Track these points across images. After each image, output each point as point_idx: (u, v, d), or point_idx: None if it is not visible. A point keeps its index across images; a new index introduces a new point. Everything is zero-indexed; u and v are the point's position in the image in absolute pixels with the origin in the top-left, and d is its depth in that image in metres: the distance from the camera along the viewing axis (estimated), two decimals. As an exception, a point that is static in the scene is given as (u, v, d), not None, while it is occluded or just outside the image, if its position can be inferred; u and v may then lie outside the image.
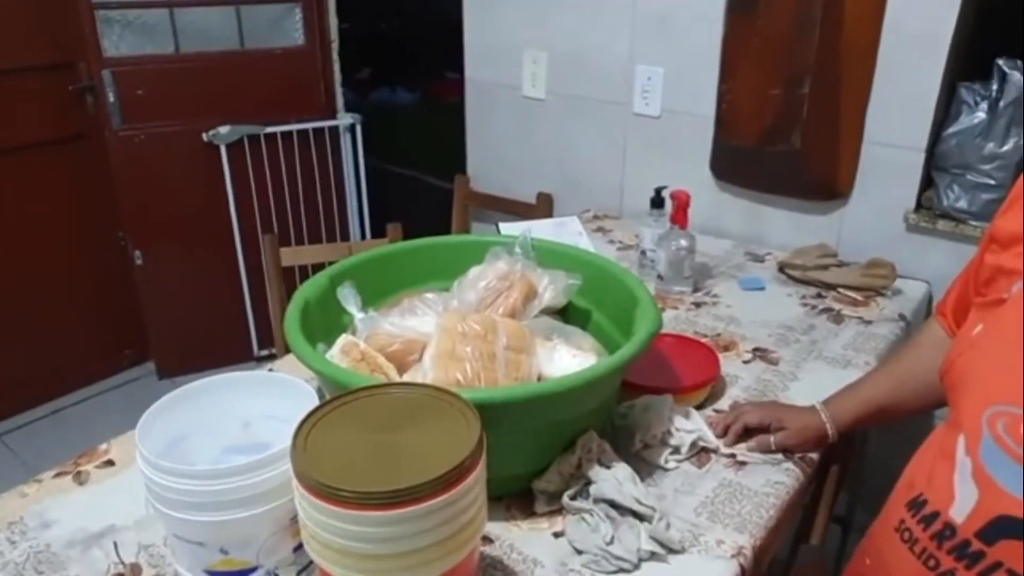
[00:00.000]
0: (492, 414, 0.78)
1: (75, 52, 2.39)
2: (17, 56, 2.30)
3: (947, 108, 1.59)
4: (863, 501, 1.51)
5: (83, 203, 2.57)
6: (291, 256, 2.00)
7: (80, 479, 1.01)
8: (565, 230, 1.57)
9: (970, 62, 1.57)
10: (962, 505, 0.69)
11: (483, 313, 1.03)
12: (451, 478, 0.65)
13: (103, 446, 1.08)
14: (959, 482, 0.70)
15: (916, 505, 0.75)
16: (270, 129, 2.61)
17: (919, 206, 1.66)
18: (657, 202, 1.58)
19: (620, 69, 1.96)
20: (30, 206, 2.45)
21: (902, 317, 1.49)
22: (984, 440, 0.68)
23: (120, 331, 2.74)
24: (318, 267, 1.26)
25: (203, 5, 2.50)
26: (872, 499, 0.84)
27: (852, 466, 1.36)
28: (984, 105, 1.52)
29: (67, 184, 2.53)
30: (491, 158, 2.33)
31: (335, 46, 2.72)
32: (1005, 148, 1.51)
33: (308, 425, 0.71)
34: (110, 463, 1.05)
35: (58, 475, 1.02)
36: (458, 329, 0.95)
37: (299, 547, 0.75)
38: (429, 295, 1.09)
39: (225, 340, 2.75)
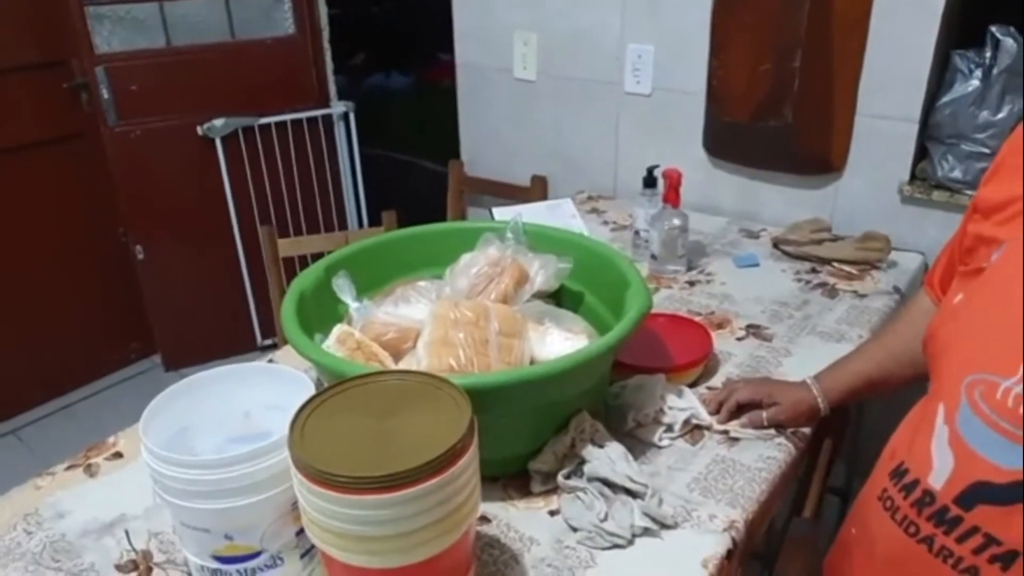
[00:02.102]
0: (486, 398, 0.80)
1: (67, 49, 2.39)
2: (10, 55, 2.31)
3: (940, 77, 1.58)
4: (860, 472, 1.53)
5: (83, 200, 2.59)
6: (289, 247, 2.01)
7: (91, 471, 1.04)
8: (558, 213, 1.58)
9: (963, 30, 1.57)
10: (940, 472, 0.71)
11: (475, 299, 1.04)
12: (443, 461, 0.67)
13: (111, 439, 1.10)
14: (936, 449, 0.72)
15: (898, 474, 0.77)
16: (264, 120, 2.61)
17: (913, 177, 1.66)
18: (649, 182, 1.59)
19: (611, 48, 1.96)
20: (30, 206, 2.47)
21: (896, 290, 1.50)
22: (961, 407, 0.70)
23: (125, 326, 2.78)
24: (316, 256, 1.28)
25: (193, -3, 2.50)
26: (869, 470, 0.86)
27: (848, 438, 1.38)
28: (978, 73, 1.52)
29: (66, 182, 2.54)
30: (485, 142, 2.33)
31: (326, 34, 2.72)
32: (999, 116, 1.51)
33: (305, 414, 0.73)
34: (118, 455, 1.07)
35: (70, 468, 1.05)
36: (450, 316, 0.97)
37: (301, 531, 0.77)
38: (422, 283, 1.11)
39: (228, 331, 2.78)
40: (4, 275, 2.45)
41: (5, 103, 2.33)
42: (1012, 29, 1.47)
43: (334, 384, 0.77)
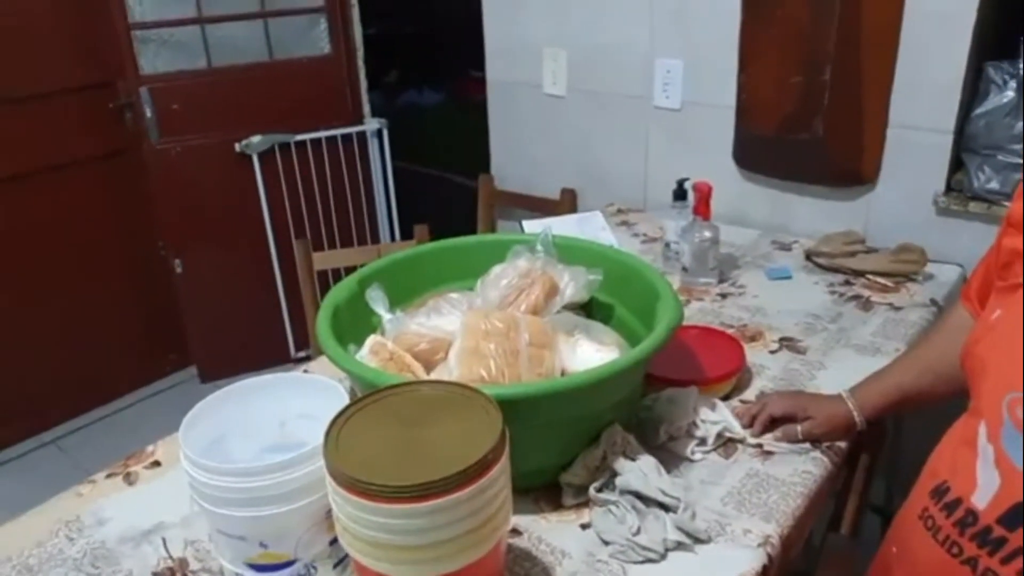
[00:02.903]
0: (516, 409, 0.80)
1: (114, 71, 2.48)
2: (60, 78, 2.40)
3: (974, 88, 1.56)
4: (901, 489, 1.50)
5: (124, 215, 2.67)
6: (323, 260, 2.05)
7: (130, 479, 1.07)
8: (589, 225, 1.59)
9: (996, 40, 1.55)
10: (984, 492, 0.70)
11: (506, 310, 1.05)
12: (475, 471, 0.68)
13: (150, 448, 1.13)
14: (981, 469, 0.70)
15: (939, 493, 0.75)
16: (300, 137, 2.67)
17: (949, 188, 1.63)
18: (679, 194, 1.59)
19: (639, 63, 1.97)
20: (74, 220, 2.55)
21: (934, 302, 1.47)
22: (1005, 426, 0.68)
23: (163, 337, 2.84)
24: (349, 269, 1.30)
25: (233, 20, 2.57)
26: (908, 487, 0.84)
27: (886, 454, 1.35)
28: (1012, 84, 1.50)
29: (109, 197, 2.63)
30: (515, 156, 2.35)
31: (360, 53, 2.77)
32: (1036, 127, 1.48)
33: (339, 423, 0.74)
34: (157, 464, 1.10)
35: (109, 476, 1.08)
36: (481, 327, 0.98)
37: (335, 541, 0.78)
38: (453, 295, 1.12)
39: (263, 343, 2.83)
40: (47, 285, 2.53)
41: (55, 122, 2.42)
42: (1048, 39, 1.45)
43: (368, 394, 0.78)
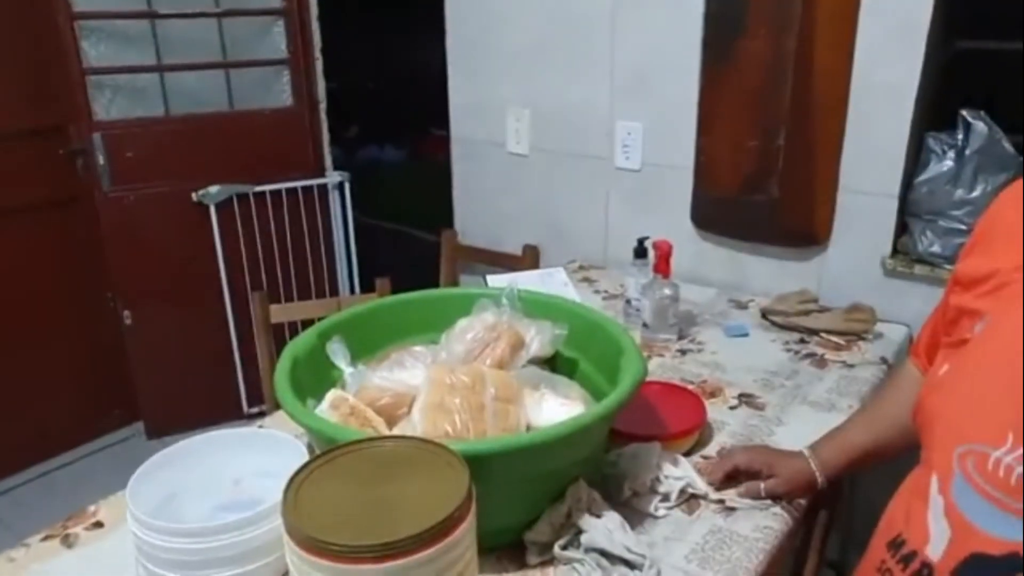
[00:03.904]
0: (481, 465, 0.79)
1: (66, 116, 2.44)
2: (8, 120, 2.35)
3: (917, 156, 1.65)
4: (855, 544, 1.51)
5: (73, 264, 2.59)
6: (281, 313, 2.01)
7: (68, 542, 1.00)
8: (551, 281, 1.60)
9: (936, 113, 1.64)
10: (937, 543, 0.71)
11: (471, 364, 1.04)
12: (441, 529, 0.66)
13: (92, 508, 1.07)
14: (932, 520, 0.72)
15: (895, 545, 0.76)
16: (259, 188, 2.65)
17: (895, 251, 1.70)
18: (640, 252, 1.62)
19: (601, 125, 2.03)
20: (20, 267, 2.47)
21: (884, 360, 1.51)
22: (955, 478, 0.70)
23: (109, 391, 2.73)
24: (307, 323, 1.28)
25: (193, 69, 2.57)
26: (863, 542, 0.85)
27: (841, 509, 1.36)
28: (951, 153, 1.58)
29: (57, 245, 2.55)
30: (478, 212, 2.38)
31: (323, 106, 2.79)
32: (974, 194, 1.57)
33: (298, 480, 0.72)
34: (99, 524, 1.04)
35: (46, 538, 1.01)
36: (446, 381, 0.97)
37: (290, 604, 0.75)
38: (417, 348, 1.11)
39: (215, 398, 2.74)
40: (-13, 337, 2.42)
41: (2, 166, 2.35)
42: (982, 113, 1.54)
43: (329, 450, 0.76)
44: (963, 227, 1.58)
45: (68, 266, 2.58)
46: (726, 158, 1.81)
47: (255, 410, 2.77)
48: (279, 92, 2.71)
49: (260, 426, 1.26)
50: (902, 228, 1.70)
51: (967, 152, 1.56)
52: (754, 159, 1.75)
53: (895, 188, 1.66)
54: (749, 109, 1.73)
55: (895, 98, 1.60)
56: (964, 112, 1.55)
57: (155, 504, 0.79)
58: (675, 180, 1.93)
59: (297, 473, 0.72)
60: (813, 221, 1.76)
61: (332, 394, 1.00)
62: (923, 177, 1.61)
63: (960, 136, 1.56)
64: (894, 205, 1.67)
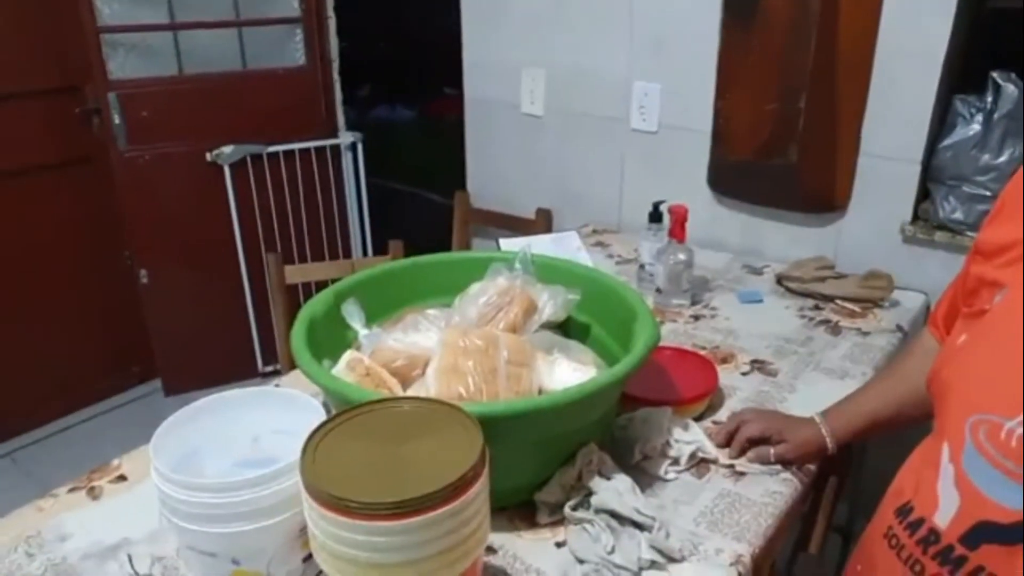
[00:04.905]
0: (494, 427, 0.80)
1: (81, 75, 2.43)
2: (24, 80, 2.35)
3: (942, 120, 1.61)
4: (862, 511, 1.52)
5: (89, 223, 2.61)
6: (295, 274, 2.02)
7: (94, 494, 1.04)
8: (564, 245, 1.60)
9: (965, 75, 1.60)
10: (945, 511, 0.71)
11: (484, 328, 1.05)
12: (455, 489, 0.67)
13: (115, 461, 1.10)
14: (942, 489, 0.72)
15: (903, 512, 0.77)
16: (273, 148, 2.65)
17: (916, 218, 1.68)
18: (655, 216, 1.61)
19: (617, 86, 2.00)
20: (37, 227, 2.49)
21: (899, 328, 1.51)
22: (966, 447, 0.70)
23: (127, 349, 2.77)
24: (321, 284, 1.29)
25: (206, 27, 2.54)
26: (871, 509, 0.86)
27: (851, 476, 1.37)
28: (979, 117, 1.55)
29: (73, 205, 2.57)
30: (491, 174, 2.36)
31: (335, 65, 2.77)
32: (1000, 160, 1.53)
33: (316, 439, 0.73)
34: (122, 478, 1.07)
35: (72, 490, 1.04)
36: (460, 344, 0.97)
37: (308, 557, 0.77)
38: (431, 311, 1.11)
39: (230, 357, 2.78)
40: (7, 294, 2.46)
41: (18, 126, 2.37)
42: (1013, 75, 1.50)
43: (346, 409, 0.77)
44: (987, 193, 1.55)
45: (85, 225, 2.60)
46: (745, 121, 1.78)
47: (269, 369, 2.81)
48: (292, 51, 2.69)
49: (277, 385, 1.28)
50: (923, 194, 1.68)
51: (995, 116, 1.52)
52: (773, 122, 1.72)
53: (918, 153, 1.63)
54: (770, 70, 1.70)
55: (923, 59, 1.56)
56: (994, 74, 1.51)
57: (177, 459, 0.80)
58: (692, 143, 1.90)
59: (315, 432, 0.74)
60: (832, 186, 1.73)
61: (348, 355, 1.01)
62: (948, 141, 1.58)
63: (989, 99, 1.53)
64: (916, 170, 1.64)
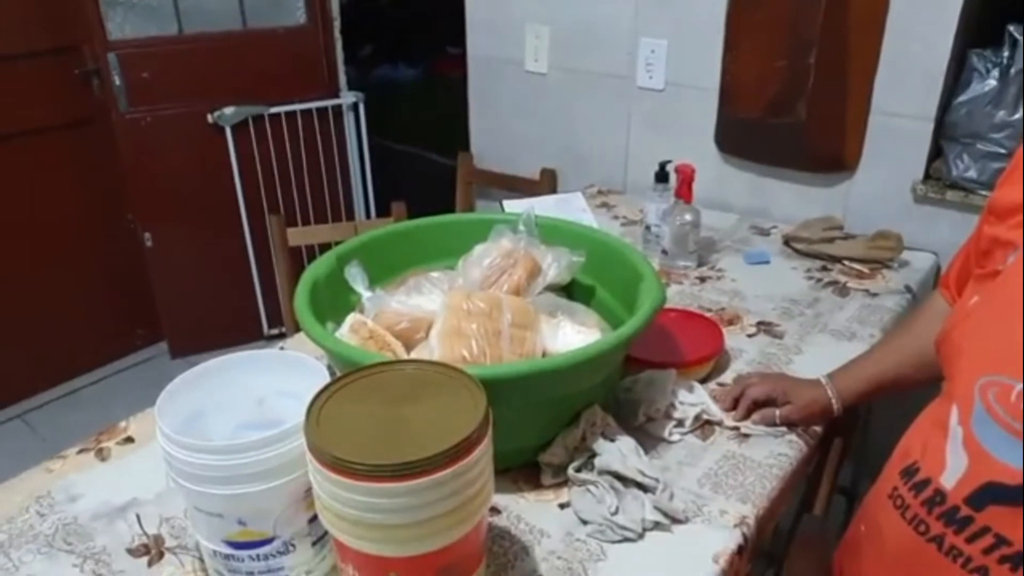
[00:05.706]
0: (498, 389, 0.79)
1: (80, 36, 2.39)
2: (22, 41, 2.31)
3: (957, 76, 1.57)
4: (867, 473, 1.53)
5: (92, 186, 2.59)
6: (298, 236, 2.01)
7: (102, 455, 1.05)
8: (569, 206, 1.58)
9: (981, 28, 1.56)
10: (952, 472, 0.71)
11: (488, 291, 1.04)
12: (459, 451, 0.67)
13: (123, 423, 1.11)
14: (950, 450, 0.72)
15: (909, 472, 0.77)
16: (274, 109, 2.62)
17: (927, 176, 1.65)
18: (662, 176, 1.58)
19: (623, 42, 1.95)
20: (40, 190, 2.48)
21: (908, 289, 1.49)
22: (976, 409, 0.70)
23: (132, 312, 2.78)
24: (324, 246, 1.28)
25: (205, -16, 2.49)
26: (876, 471, 0.86)
27: (856, 438, 1.37)
28: (995, 72, 1.51)
29: (75, 168, 2.55)
30: (494, 134, 2.33)
31: (337, 24, 2.72)
32: (1016, 116, 1.50)
33: (320, 401, 0.73)
34: (130, 440, 1.08)
35: (81, 451, 1.05)
36: (463, 307, 0.97)
37: (314, 519, 0.77)
38: (435, 274, 1.10)
39: (235, 319, 2.79)
40: (11, 259, 2.46)
41: (17, 88, 2.34)
42: (1031, 29, 1.46)
43: (350, 372, 0.77)
44: (1002, 151, 1.51)
45: (88, 187, 2.59)
46: (753, 78, 1.74)
47: (275, 331, 2.82)
48: (292, 10, 2.64)
49: (282, 347, 1.28)
50: (936, 153, 1.64)
51: (1012, 71, 1.48)
52: (782, 79, 1.68)
53: (932, 110, 1.59)
54: (779, 25, 1.65)
55: (938, 11, 1.52)
56: (1011, 27, 1.47)
57: (182, 421, 0.80)
58: (699, 101, 1.86)
59: (319, 394, 0.73)
60: (842, 145, 1.70)
61: (352, 318, 1.01)
62: (963, 98, 1.54)
63: (1006, 53, 1.48)
64: (929, 128, 1.61)
